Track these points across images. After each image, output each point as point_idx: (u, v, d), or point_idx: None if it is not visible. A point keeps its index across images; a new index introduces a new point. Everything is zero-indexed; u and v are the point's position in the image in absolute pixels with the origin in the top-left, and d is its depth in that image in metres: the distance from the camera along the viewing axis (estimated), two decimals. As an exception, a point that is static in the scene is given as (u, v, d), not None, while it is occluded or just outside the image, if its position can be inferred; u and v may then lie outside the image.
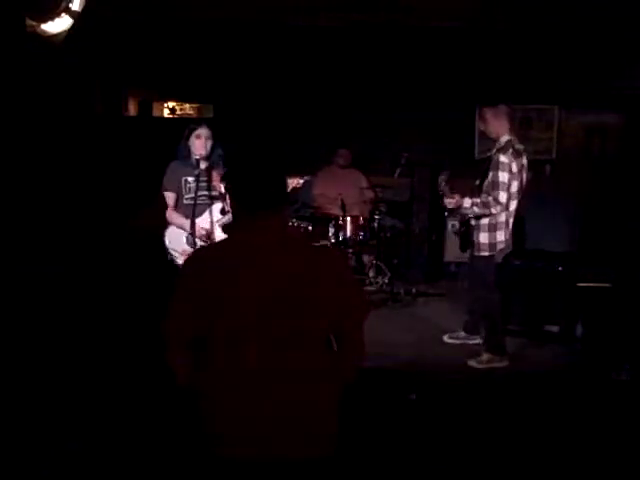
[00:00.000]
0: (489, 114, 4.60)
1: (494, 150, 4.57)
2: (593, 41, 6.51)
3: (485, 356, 4.68)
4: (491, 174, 4.48)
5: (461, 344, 5.07)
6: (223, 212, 4.02)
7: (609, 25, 6.01)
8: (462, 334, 5.14)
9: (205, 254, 2.20)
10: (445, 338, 5.19)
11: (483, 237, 4.60)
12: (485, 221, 4.57)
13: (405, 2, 5.61)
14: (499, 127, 4.59)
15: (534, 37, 6.54)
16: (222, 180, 2.18)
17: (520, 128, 7.55)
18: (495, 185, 4.44)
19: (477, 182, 4.64)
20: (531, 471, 3.32)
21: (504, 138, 4.56)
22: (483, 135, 7.24)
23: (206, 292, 1.96)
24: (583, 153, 7.54)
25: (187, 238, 4.06)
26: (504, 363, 4.65)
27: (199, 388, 2.00)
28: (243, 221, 2.06)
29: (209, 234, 3.99)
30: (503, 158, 4.43)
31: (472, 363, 4.66)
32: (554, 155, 7.58)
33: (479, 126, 4.64)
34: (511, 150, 4.48)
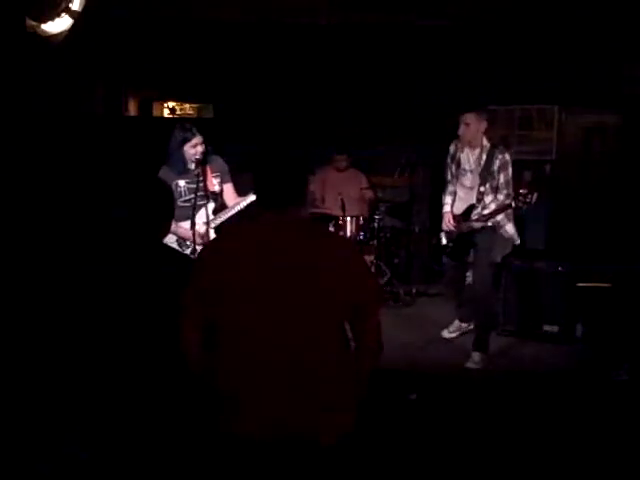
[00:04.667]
0: (473, 119, 4.60)
1: (484, 153, 4.64)
2: (593, 41, 6.51)
3: (478, 356, 4.71)
4: (502, 174, 4.61)
5: (461, 334, 5.16)
6: (215, 212, 4.03)
7: (609, 25, 6.01)
8: (463, 325, 5.21)
9: (222, 242, 2.26)
10: (444, 334, 5.22)
11: (510, 227, 4.72)
12: (502, 215, 4.65)
13: (405, 2, 5.61)
14: (482, 130, 4.65)
15: (534, 37, 6.54)
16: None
17: (520, 128, 7.56)
18: (508, 183, 4.63)
19: (482, 189, 4.66)
20: (531, 471, 3.33)
21: (485, 140, 4.67)
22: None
23: (221, 279, 2.04)
24: (583, 153, 7.53)
25: (177, 240, 4.07)
26: (485, 362, 4.72)
27: (213, 370, 2.06)
28: (261, 214, 2.14)
29: (202, 236, 3.96)
30: (509, 157, 4.64)
31: (470, 365, 4.69)
32: (554, 155, 7.57)
33: (461, 128, 4.63)
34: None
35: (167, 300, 2.27)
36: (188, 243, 4.05)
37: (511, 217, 4.72)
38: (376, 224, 6.38)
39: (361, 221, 6.26)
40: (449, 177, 4.94)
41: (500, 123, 7.62)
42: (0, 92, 4.40)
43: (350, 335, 2.16)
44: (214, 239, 2.42)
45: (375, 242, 6.40)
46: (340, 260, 2.08)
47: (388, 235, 6.62)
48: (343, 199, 6.25)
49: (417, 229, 7.27)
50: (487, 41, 6.72)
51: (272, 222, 2.11)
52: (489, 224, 4.67)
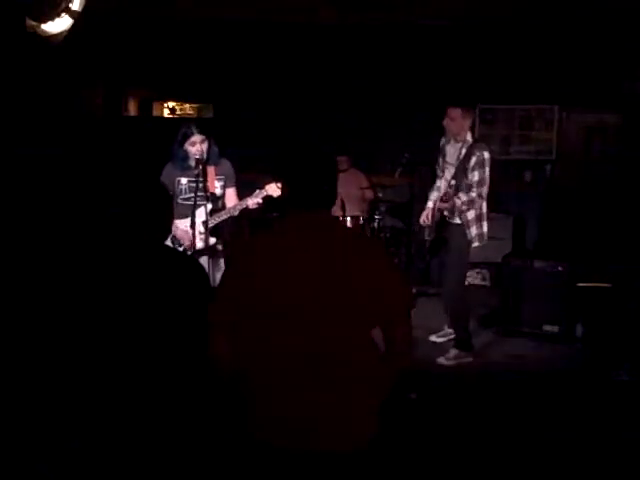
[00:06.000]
0: (459, 114, 4.68)
1: (464, 148, 4.69)
2: (593, 41, 6.51)
3: (453, 352, 4.80)
4: (477, 172, 4.62)
5: (449, 340, 5.16)
6: (211, 213, 4.02)
7: (609, 25, 6.02)
8: (449, 331, 5.21)
9: (255, 242, 2.23)
10: (433, 338, 5.25)
11: (474, 229, 4.74)
12: (472, 215, 4.70)
13: (405, 2, 5.61)
14: (466, 127, 4.74)
15: (534, 37, 6.54)
16: (274, 176, 2.26)
17: (520, 128, 7.56)
18: (482, 182, 4.62)
19: (452, 182, 4.70)
20: (531, 471, 3.32)
21: (469, 136, 4.74)
22: (484, 135, 7.32)
23: (252, 280, 2.02)
24: (583, 153, 7.53)
25: (171, 238, 4.06)
26: (469, 359, 4.78)
27: (240, 372, 2.05)
28: (293, 215, 2.13)
29: (198, 235, 3.94)
30: (487, 155, 4.64)
31: (441, 360, 4.76)
32: (554, 155, 7.57)
33: (445, 121, 4.74)
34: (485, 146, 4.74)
35: (166, 298, 2.26)
36: (181, 241, 4.05)
37: (482, 219, 4.74)
38: (376, 224, 6.38)
39: (361, 221, 6.25)
40: (438, 172, 5.04)
41: (500, 123, 7.62)
42: (0, 92, 4.40)
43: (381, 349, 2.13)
44: (246, 243, 2.35)
45: (375, 242, 6.40)
46: (374, 264, 2.06)
47: (388, 235, 6.61)
48: (343, 199, 6.23)
49: (417, 229, 7.25)
50: (487, 41, 6.72)
51: (306, 224, 2.09)
52: (459, 222, 4.72)
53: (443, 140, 4.93)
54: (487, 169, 4.62)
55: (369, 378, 2.05)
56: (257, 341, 2.03)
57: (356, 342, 2.03)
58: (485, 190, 4.62)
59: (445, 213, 4.74)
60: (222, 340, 2.10)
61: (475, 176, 4.61)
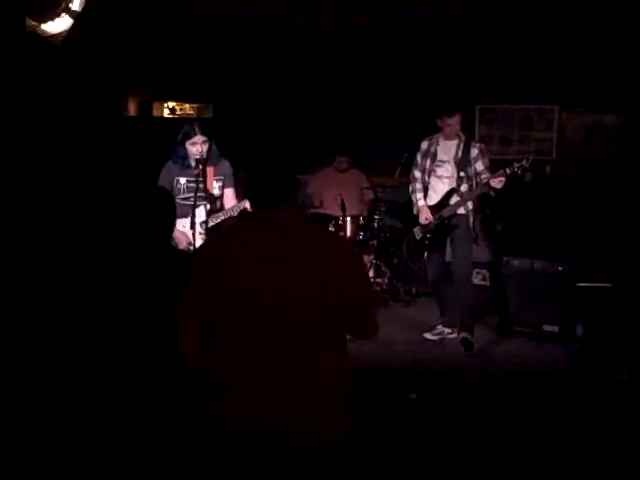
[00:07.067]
0: (459, 118, 4.93)
1: (461, 143, 4.93)
2: (593, 41, 6.51)
3: (465, 334, 4.94)
4: (481, 161, 4.89)
5: (442, 339, 5.21)
6: (209, 214, 4.01)
7: (609, 25, 6.02)
8: (446, 330, 5.25)
9: (217, 241, 2.25)
10: (427, 335, 5.27)
11: (473, 220, 5.00)
12: (471, 206, 4.97)
13: (405, 2, 5.62)
14: (461, 124, 4.97)
15: (534, 37, 6.54)
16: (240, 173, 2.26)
17: (520, 128, 7.56)
18: (489, 167, 4.87)
19: (461, 174, 4.91)
20: (531, 470, 3.32)
21: (460, 132, 4.98)
22: (483, 135, 7.33)
23: (214, 278, 2.03)
24: (583, 153, 7.53)
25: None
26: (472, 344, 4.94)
27: (207, 370, 2.06)
28: (255, 212, 2.17)
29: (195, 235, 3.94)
30: (483, 146, 5.01)
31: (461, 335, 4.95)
32: (554, 155, 7.57)
33: (447, 129, 4.94)
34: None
35: (163, 297, 2.26)
36: (177, 241, 4.03)
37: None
38: (376, 224, 6.38)
39: (361, 221, 6.26)
40: (418, 174, 5.14)
41: (500, 123, 7.63)
42: (0, 92, 4.40)
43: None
44: (208, 241, 2.35)
45: (375, 242, 6.40)
46: (332, 261, 2.06)
47: (388, 235, 6.62)
48: (343, 199, 6.24)
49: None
50: (487, 41, 6.73)
51: (264, 221, 2.10)
52: (464, 212, 4.92)
53: (426, 144, 5.09)
54: (488, 157, 4.93)
55: (337, 373, 2.06)
56: (223, 338, 2.04)
57: (321, 337, 2.03)
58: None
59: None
60: (189, 338, 2.11)
61: (481, 165, 4.88)
